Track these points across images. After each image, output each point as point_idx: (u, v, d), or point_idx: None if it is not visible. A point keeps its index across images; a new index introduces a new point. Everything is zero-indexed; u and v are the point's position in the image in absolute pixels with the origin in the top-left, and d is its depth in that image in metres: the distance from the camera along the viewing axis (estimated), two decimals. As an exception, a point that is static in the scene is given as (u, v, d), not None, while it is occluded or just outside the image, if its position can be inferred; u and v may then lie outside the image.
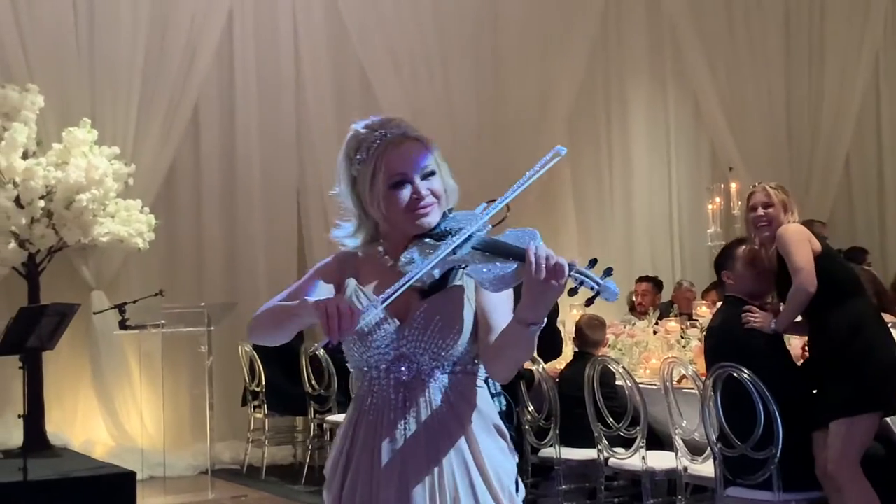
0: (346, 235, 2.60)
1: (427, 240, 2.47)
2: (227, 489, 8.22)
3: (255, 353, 8.74)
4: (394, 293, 2.35)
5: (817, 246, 4.89)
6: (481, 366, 2.54)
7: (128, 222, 8.58)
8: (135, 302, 8.12)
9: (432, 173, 2.51)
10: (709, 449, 5.13)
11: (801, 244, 4.85)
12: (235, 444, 9.18)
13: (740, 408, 4.85)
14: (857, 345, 4.78)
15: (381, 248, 2.56)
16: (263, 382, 8.70)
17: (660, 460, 5.72)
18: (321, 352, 8.16)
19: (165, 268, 9.42)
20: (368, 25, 10.15)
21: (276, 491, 8.23)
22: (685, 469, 5.43)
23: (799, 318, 5.01)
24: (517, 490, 2.54)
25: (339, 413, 8.11)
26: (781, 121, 11.81)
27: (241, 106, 9.79)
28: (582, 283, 2.22)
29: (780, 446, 4.74)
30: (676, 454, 5.46)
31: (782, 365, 5.01)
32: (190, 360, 8.70)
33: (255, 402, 8.86)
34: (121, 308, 8.03)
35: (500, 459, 2.51)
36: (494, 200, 2.43)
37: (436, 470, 2.45)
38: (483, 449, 2.48)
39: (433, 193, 2.50)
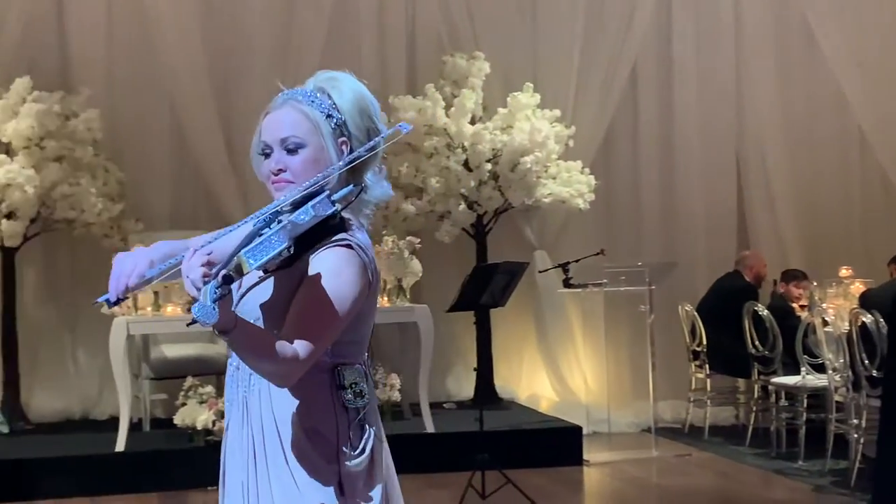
0: None
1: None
2: (670, 448, 8.21)
3: (696, 314, 8.66)
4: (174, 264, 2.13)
5: None
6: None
7: (568, 183, 8.76)
8: (577, 261, 8.27)
9: (297, 147, 2.30)
10: None
11: None
12: (676, 403, 9.14)
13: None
14: None
15: None
16: (705, 342, 8.61)
17: None
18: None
19: (603, 228, 9.49)
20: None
21: (719, 451, 8.13)
22: None
23: None
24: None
25: (784, 375, 7.87)
26: None
27: (679, 63, 9.66)
28: None
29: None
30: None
31: None
32: (630, 318, 8.73)
33: (697, 362, 8.78)
34: (564, 267, 8.20)
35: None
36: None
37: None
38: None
39: (288, 170, 2.30)
